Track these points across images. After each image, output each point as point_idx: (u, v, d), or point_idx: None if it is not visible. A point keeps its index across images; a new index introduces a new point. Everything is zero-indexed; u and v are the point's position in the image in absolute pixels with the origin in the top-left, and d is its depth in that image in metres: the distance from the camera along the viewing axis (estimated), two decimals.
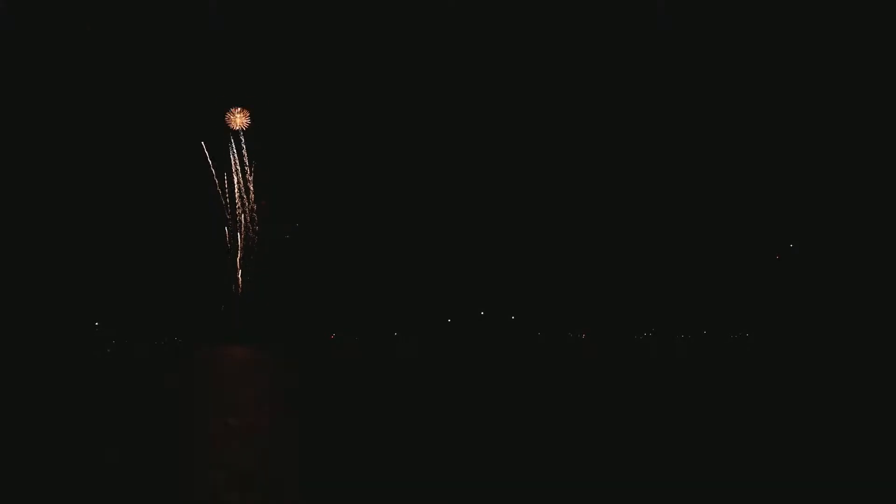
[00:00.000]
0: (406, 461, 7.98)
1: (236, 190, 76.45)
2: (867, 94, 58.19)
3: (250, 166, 77.08)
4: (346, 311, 71.33)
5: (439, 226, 70.08)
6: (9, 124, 55.34)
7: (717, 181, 65.53)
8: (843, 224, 58.41)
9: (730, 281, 65.05)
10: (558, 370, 24.99)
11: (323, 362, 30.49)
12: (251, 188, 76.34)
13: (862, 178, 57.86)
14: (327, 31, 74.03)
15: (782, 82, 62.54)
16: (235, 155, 78.39)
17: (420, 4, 68.25)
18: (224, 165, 78.32)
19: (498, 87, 70.48)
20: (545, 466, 7.52)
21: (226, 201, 77.16)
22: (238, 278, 72.72)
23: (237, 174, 77.85)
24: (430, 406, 14.33)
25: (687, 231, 66.98)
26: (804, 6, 59.58)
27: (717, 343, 57.53)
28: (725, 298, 64.54)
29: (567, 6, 69.47)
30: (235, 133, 78.63)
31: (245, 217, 75.61)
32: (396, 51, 71.31)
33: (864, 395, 14.98)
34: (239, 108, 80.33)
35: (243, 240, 74.98)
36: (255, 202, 76.30)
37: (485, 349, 46.66)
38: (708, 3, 64.67)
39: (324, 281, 67.52)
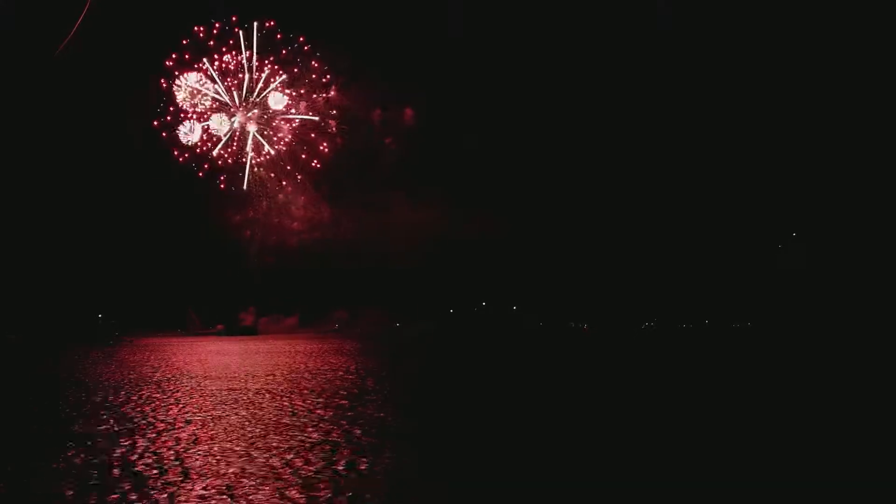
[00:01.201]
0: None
1: (249, 183, 68.90)
2: (867, 94, 58.45)
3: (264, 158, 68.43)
4: (348, 305, 71.52)
5: (440, 220, 70.25)
6: (11, 122, 55.17)
7: (717, 171, 65.85)
8: (845, 216, 58.72)
9: (731, 271, 65.34)
10: (561, 360, 25.07)
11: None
12: (266, 183, 69.13)
13: (862, 172, 58.14)
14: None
15: (781, 81, 62.80)
16: (252, 147, 68.67)
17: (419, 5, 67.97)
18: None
19: (497, 83, 70.47)
20: (546, 465, 7.41)
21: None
22: (252, 273, 69.73)
23: (251, 168, 68.88)
24: (427, 400, 14.38)
25: (687, 224, 67.30)
26: (806, 6, 59.75)
27: (719, 332, 57.94)
28: (727, 288, 64.84)
29: (566, 6, 69.51)
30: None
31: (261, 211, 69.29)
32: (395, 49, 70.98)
33: (865, 389, 15.04)
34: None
35: (260, 235, 69.92)
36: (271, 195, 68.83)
37: (487, 339, 46.84)
38: (708, 3, 64.84)
39: (327, 274, 67.31)
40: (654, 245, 66.32)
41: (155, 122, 65.85)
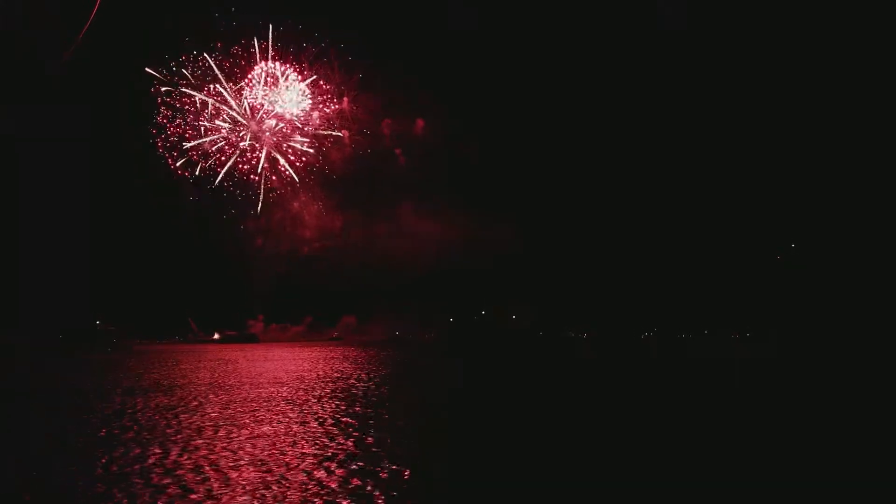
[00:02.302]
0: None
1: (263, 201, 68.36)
2: (868, 95, 58.65)
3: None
4: (349, 311, 71.41)
5: (440, 223, 70.05)
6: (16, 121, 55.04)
7: (718, 180, 65.94)
8: (845, 224, 58.79)
9: (731, 280, 65.33)
10: (558, 369, 24.88)
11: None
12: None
13: (863, 178, 58.26)
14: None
15: (784, 82, 62.95)
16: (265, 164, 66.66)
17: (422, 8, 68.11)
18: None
19: (497, 84, 70.50)
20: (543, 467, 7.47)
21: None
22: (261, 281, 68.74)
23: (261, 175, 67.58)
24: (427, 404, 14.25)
25: (687, 231, 67.29)
26: (807, 7, 60.01)
27: (718, 342, 57.73)
28: (726, 298, 64.79)
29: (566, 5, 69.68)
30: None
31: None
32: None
33: (865, 396, 14.98)
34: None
35: (273, 245, 69.19)
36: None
37: (485, 347, 46.67)
38: (709, 3, 65.06)
39: (331, 282, 66.96)
40: (653, 255, 66.36)
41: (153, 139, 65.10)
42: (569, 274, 67.39)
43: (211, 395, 14.30)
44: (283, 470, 6.92)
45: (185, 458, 7.53)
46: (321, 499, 5.90)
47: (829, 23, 58.54)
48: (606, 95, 66.73)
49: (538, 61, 69.00)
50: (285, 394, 14.50)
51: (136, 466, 7.11)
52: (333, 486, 6.30)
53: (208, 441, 8.59)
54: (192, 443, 8.48)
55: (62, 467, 7.17)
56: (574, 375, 21.53)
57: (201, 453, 7.77)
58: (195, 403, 12.89)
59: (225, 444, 8.34)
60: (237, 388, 15.83)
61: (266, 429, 9.61)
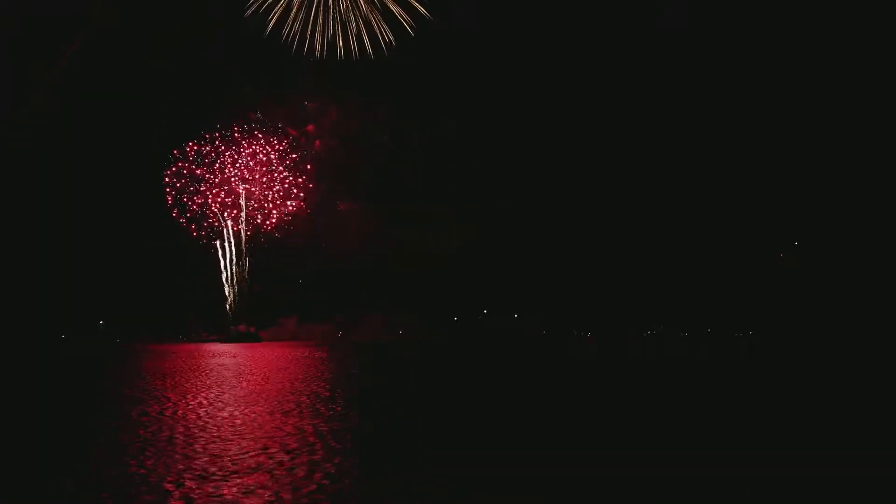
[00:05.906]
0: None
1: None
2: (869, 95, 59.24)
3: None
4: (349, 311, 71.23)
5: (441, 225, 70.21)
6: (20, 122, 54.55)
7: (720, 178, 66.43)
8: (848, 223, 59.37)
9: (733, 279, 65.80)
10: (559, 368, 25.00)
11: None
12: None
13: (865, 178, 58.85)
14: None
15: (784, 82, 63.49)
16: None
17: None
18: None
19: (495, 86, 70.53)
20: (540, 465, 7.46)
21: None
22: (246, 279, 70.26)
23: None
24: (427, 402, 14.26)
25: (689, 230, 67.72)
26: (807, 7, 60.53)
27: (721, 341, 58.20)
28: (729, 296, 65.26)
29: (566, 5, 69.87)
30: None
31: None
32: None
33: (866, 395, 15.13)
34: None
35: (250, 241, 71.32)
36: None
37: (489, 346, 46.59)
38: (709, 3, 65.49)
39: (330, 280, 67.12)
40: (657, 253, 66.74)
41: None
42: (572, 273, 67.71)
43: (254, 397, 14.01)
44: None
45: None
46: None
47: (831, 23, 59.09)
48: (613, 100, 67.09)
49: (535, 61, 69.18)
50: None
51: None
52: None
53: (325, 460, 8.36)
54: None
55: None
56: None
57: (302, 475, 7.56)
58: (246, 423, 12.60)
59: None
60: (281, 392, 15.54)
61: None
